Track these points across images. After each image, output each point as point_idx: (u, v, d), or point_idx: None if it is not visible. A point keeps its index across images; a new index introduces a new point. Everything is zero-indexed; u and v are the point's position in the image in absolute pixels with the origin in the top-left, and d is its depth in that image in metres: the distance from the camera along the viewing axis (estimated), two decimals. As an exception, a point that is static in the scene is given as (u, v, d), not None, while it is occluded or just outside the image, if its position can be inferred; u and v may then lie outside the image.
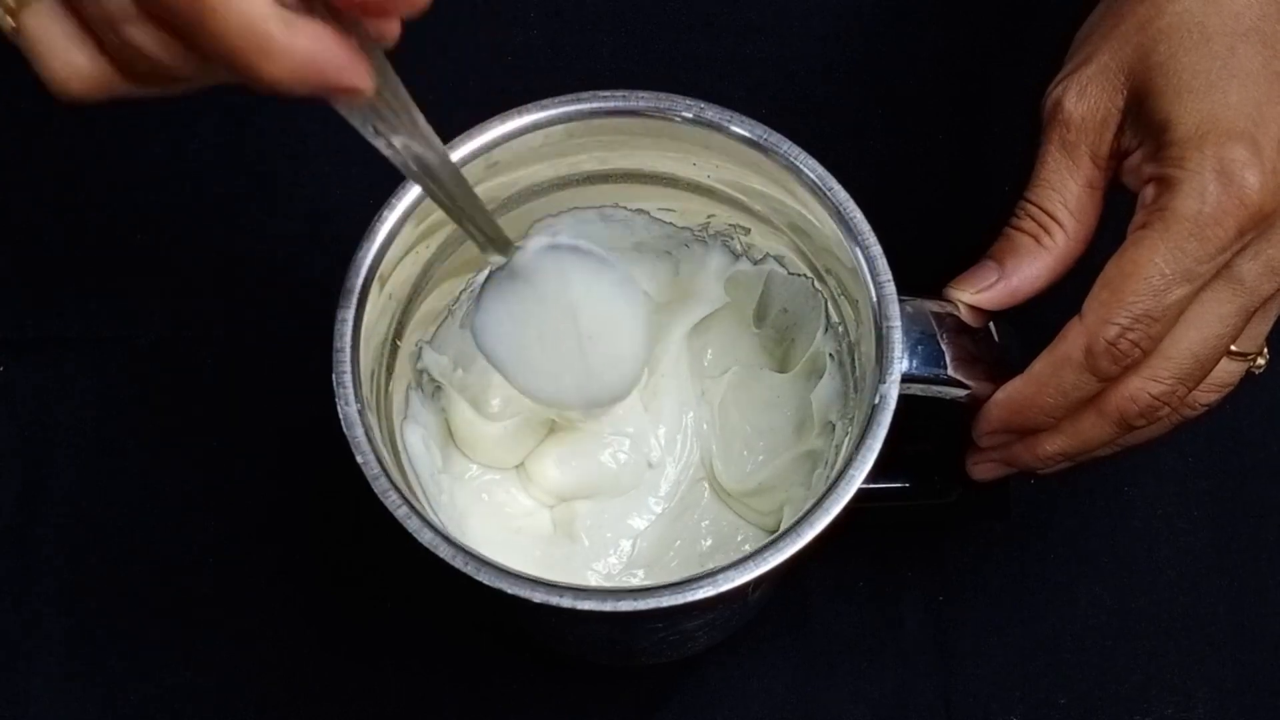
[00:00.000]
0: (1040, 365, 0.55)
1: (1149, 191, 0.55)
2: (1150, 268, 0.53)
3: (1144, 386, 0.55)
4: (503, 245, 0.55)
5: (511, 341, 0.57)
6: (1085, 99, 0.56)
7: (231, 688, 0.67)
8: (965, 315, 0.57)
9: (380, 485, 0.53)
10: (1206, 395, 0.58)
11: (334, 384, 0.54)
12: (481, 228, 0.53)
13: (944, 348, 0.56)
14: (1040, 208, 0.57)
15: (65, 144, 0.74)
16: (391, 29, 0.47)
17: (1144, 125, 0.55)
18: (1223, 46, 0.54)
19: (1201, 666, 0.68)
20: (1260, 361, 0.58)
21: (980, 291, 0.57)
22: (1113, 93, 0.56)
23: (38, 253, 0.73)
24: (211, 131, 0.75)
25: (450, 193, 0.51)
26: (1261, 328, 0.57)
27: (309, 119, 0.74)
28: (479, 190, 0.59)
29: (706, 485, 0.65)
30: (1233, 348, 0.56)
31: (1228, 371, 0.57)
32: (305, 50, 0.43)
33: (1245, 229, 0.53)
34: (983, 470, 0.60)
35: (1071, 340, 0.54)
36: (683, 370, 0.66)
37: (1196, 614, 0.68)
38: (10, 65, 0.76)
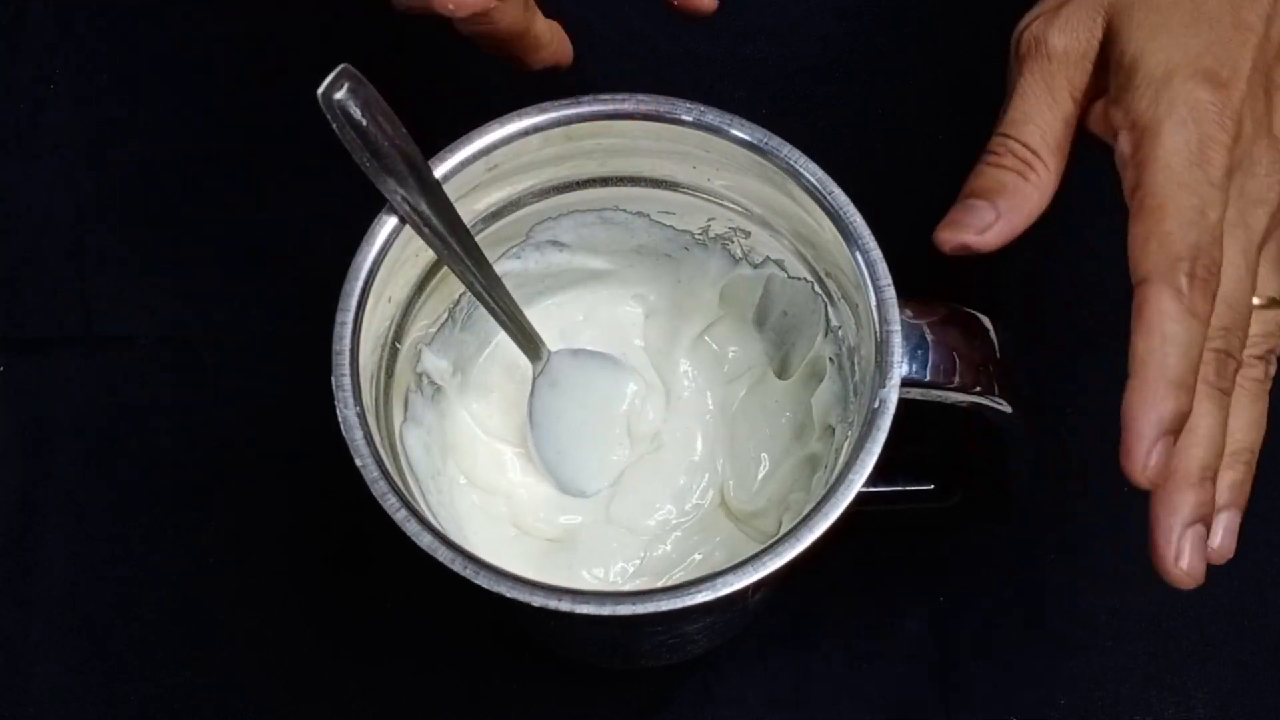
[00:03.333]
0: (1143, 343, 0.52)
1: (1125, 143, 0.54)
2: (1176, 203, 0.52)
3: (1206, 345, 0.53)
4: (535, 347, 0.62)
5: (553, 440, 0.63)
6: (1068, 30, 0.56)
7: (231, 688, 0.67)
8: (950, 248, 0.56)
9: (379, 488, 0.53)
10: (1258, 346, 0.56)
11: (333, 387, 0.54)
12: (521, 331, 0.61)
13: (944, 352, 0.56)
14: (1023, 143, 0.56)
15: (65, 142, 0.75)
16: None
17: (1114, 63, 0.55)
18: None
19: (1202, 667, 0.68)
20: None
21: (983, 232, 0.56)
22: (1092, 24, 0.56)
23: (38, 252, 0.73)
24: (211, 131, 0.75)
25: (498, 301, 0.59)
26: (1270, 276, 0.57)
27: (309, 119, 0.74)
28: (479, 193, 0.59)
29: (720, 509, 0.65)
30: (1256, 300, 0.55)
31: (1263, 322, 0.56)
32: None
33: (1230, 155, 0.53)
34: (1191, 562, 0.54)
35: (1155, 297, 0.52)
36: (699, 381, 0.66)
37: (1197, 614, 0.68)
38: (11, 65, 0.76)
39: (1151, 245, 0.52)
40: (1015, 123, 0.57)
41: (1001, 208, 0.56)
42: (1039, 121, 0.56)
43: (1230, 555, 0.56)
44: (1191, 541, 0.54)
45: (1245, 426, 0.56)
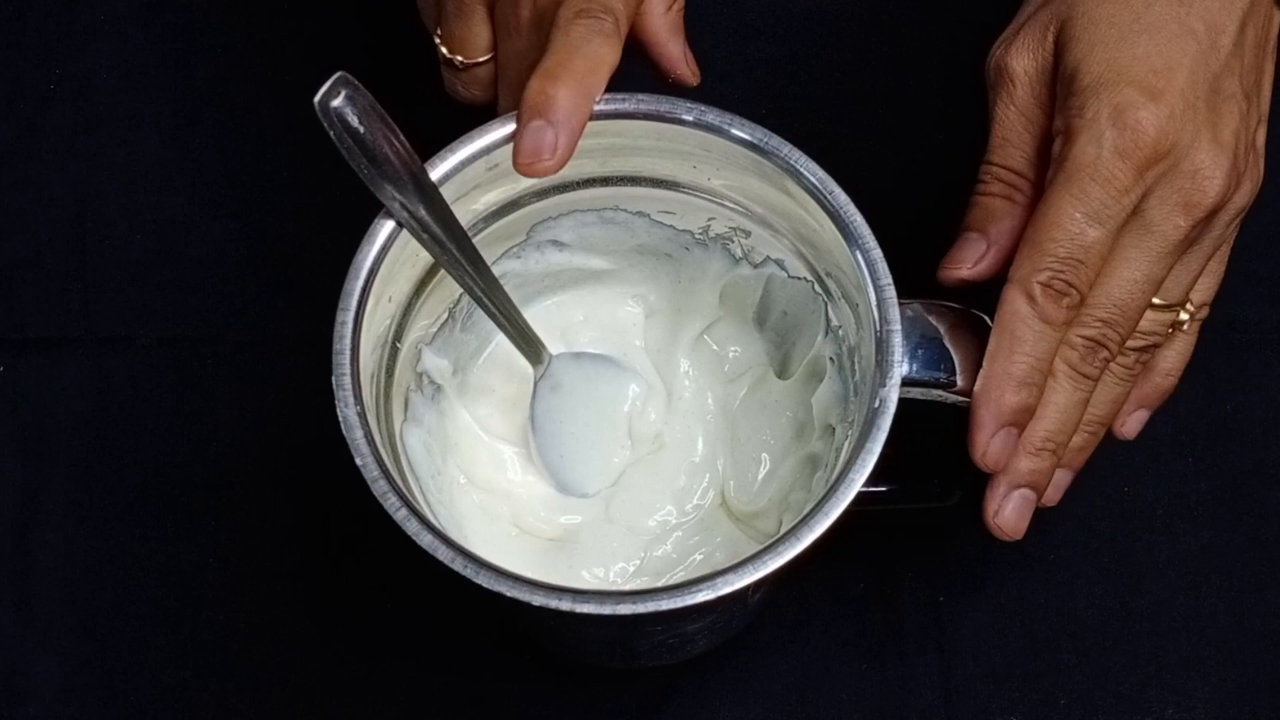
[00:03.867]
0: (995, 340, 0.56)
1: (1057, 145, 0.56)
2: (1061, 215, 0.55)
3: (1076, 332, 0.56)
4: (536, 351, 0.62)
5: (556, 444, 0.64)
6: (1024, 53, 0.58)
7: (231, 687, 0.67)
8: (950, 284, 0.58)
9: (380, 488, 0.53)
10: (1135, 342, 0.59)
11: (334, 386, 0.54)
12: (521, 335, 0.61)
13: (944, 351, 0.56)
14: (1005, 168, 0.58)
15: (65, 143, 0.75)
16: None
17: (1060, 76, 0.57)
18: (1140, 1, 0.56)
19: (1202, 666, 0.68)
20: (1184, 316, 0.60)
21: (976, 265, 0.58)
22: (1044, 43, 0.58)
23: (38, 253, 0.73)
24: (212, 131, 0.75)
25: (498, 305, 0.59)
26: (1182, 279, 0.59)
27: (310, 119, 0.74)
28: (479, 193, 0.59)
29: (721, 509, 0.65)
30: (1156, 300, 0.58)
31: (1151, 321, 0.59)
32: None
33: (1143, 168, 0.55)
34: (1008, 516, 0.59)
35: (1011, 299, 0.56)
36: (699, 381, 0.66)
37: (1197, 614, 0.68)
38: (12, 64, 0.76)
39: (1025, 250, 0.56)
40: (995, 149, 0.59)
41: (992, 236, 0.58)
42: (1017, 143, 0.58)
43: (1053, 504, 0.62)
44: (1015, 503, 0.58)
45: (1102, 403, 0.60)
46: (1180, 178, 0.56)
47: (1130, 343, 0.59)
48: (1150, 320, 0.59)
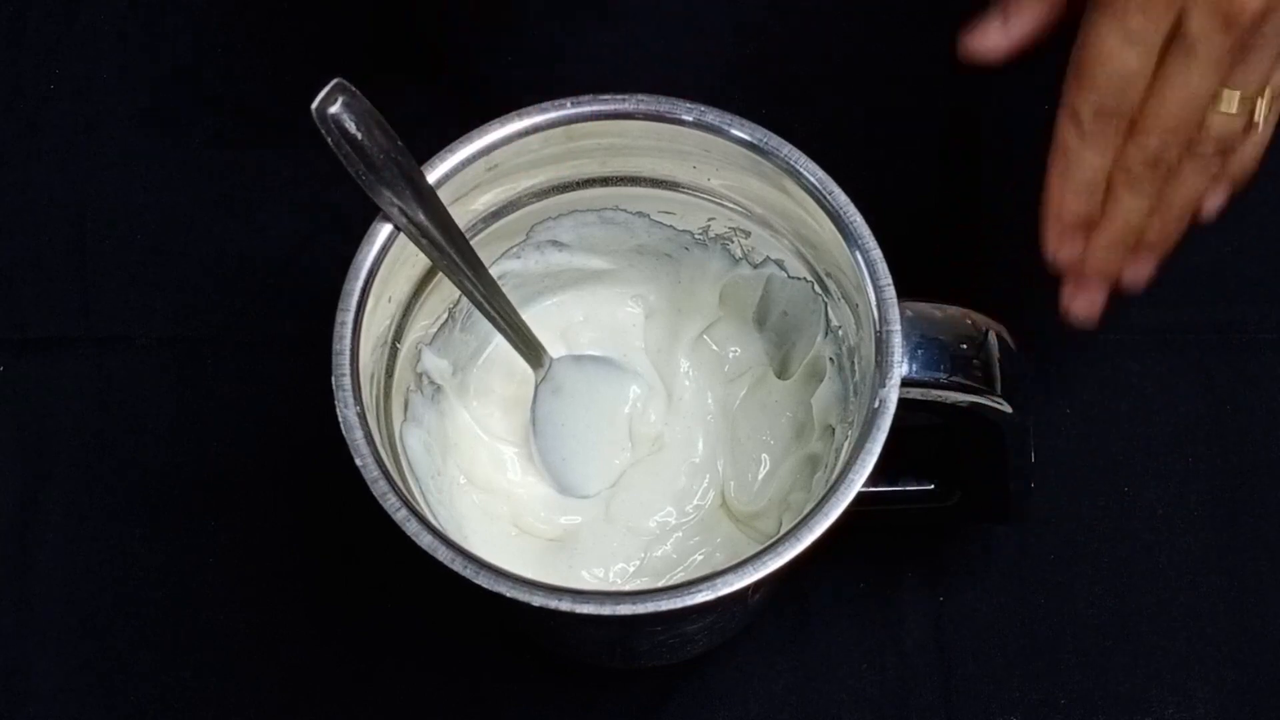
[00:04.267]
0: (1051, 159, 0.58)
1: None
2: (1099, 43, 0.55)
3: (1139, 142, 0.57)
4: (537, 354, 0.62)
5: (557, 446, 0.64)
6: None
7: (231, 688, 0.67)
8: (965, 57, 0.59)
9: (379, 488, 0.53)
10: (1208, 147, 0.59)
11: (333, 386, 0.54)
12: (521, 338, 0.62)
13: (943, 351, 0.56)
14: None
15: (66, 143, 0.75)
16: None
17: None
18: None
19: (1202, 666, 0.68)
20: (1258, 117, 0.59)
21: (993, 34, 0.59)
22: None
23: (38, 253, 0.73)
24: (212, 131, 0.75)
25: (497, 309, 0.60)
26: (1250, 78, 0.58)
27: (308, 120, 0.74)
28: (479, 194, 0.59)
29: (721, 510, 0.65)
30: (1224, 106, 0.58)
31: (1223, 125, 0.58)
32: None
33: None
34: (1082, 304, 0.61)
35: (1062, 125, 0.57)
36: (699, 382, 0.66)
37: (1196, 614, 0.68)
38: (12, 64, 0.76)
39: (1070, 76, 0.57)
40: None
41: (1010, 9, 0.59)
42: None
43: (1138, 288, 0.62)
44: (1087, 296, 0.61)
45: (1182, 195, 0.60)
46: None
47: (1203, 147, 0.59)
48: (1222, 124, 0.58)
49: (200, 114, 0.75)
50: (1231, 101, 0.58)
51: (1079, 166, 0.57)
